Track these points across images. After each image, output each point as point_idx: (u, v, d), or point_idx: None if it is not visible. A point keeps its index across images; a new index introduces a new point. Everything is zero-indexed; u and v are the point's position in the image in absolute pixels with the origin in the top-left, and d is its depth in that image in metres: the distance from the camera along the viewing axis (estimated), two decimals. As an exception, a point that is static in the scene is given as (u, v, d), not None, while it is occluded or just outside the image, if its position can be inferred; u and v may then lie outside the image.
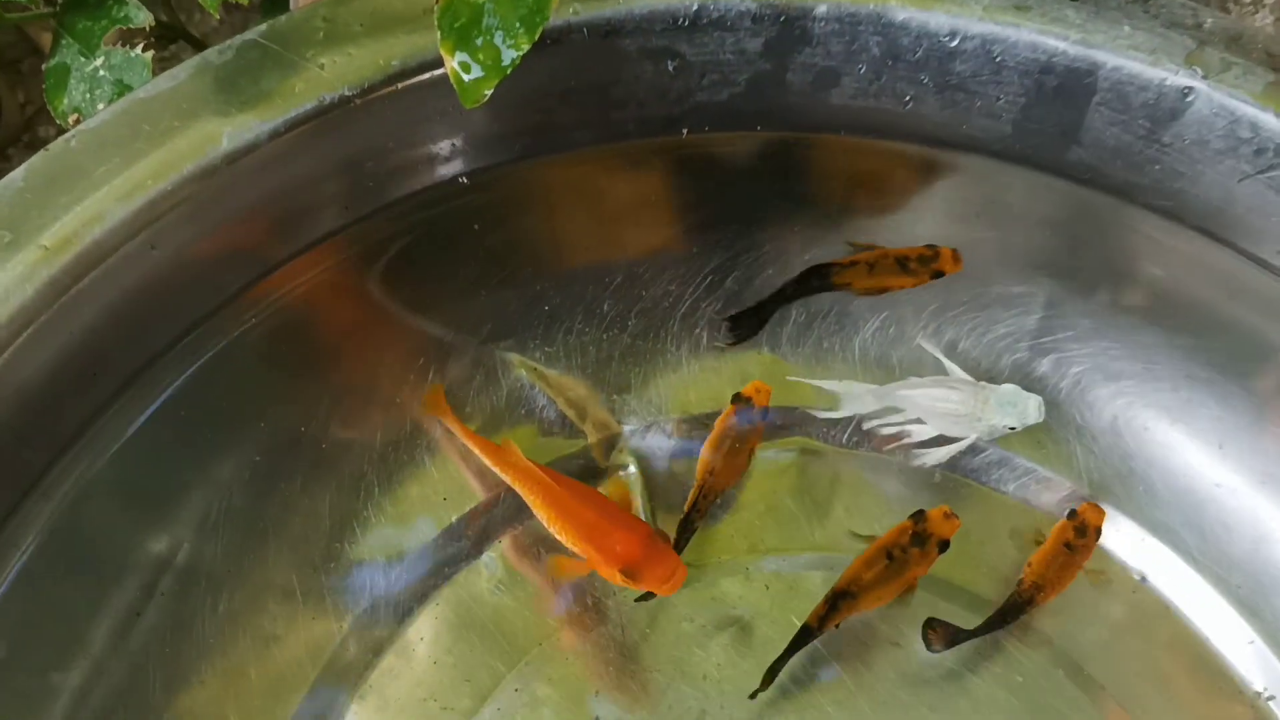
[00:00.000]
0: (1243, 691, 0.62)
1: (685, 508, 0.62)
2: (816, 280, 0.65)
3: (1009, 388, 0.64)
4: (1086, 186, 0.65)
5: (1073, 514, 0.62)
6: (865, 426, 0.66)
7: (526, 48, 0.49)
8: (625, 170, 0.67)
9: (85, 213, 0.52)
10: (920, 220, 0.66)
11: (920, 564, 0.59)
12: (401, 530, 0.63)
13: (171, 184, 0.53)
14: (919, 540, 0.59)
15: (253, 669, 0.58)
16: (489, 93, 0.49)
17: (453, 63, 0.49)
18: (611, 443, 0.66)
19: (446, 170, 0.63)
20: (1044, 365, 0.67)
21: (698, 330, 0.68)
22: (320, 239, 0.61)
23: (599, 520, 0.57)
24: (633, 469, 0.65)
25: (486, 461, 0.60)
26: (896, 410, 0.65)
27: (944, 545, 0.60)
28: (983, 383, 0.64)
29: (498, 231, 0.65)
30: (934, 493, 0.66)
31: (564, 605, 0.62)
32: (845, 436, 0.67)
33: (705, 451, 0.63)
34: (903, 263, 0.64)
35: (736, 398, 0.64)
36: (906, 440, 0.64)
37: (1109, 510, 0.64)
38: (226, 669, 0.58)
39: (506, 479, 0.59)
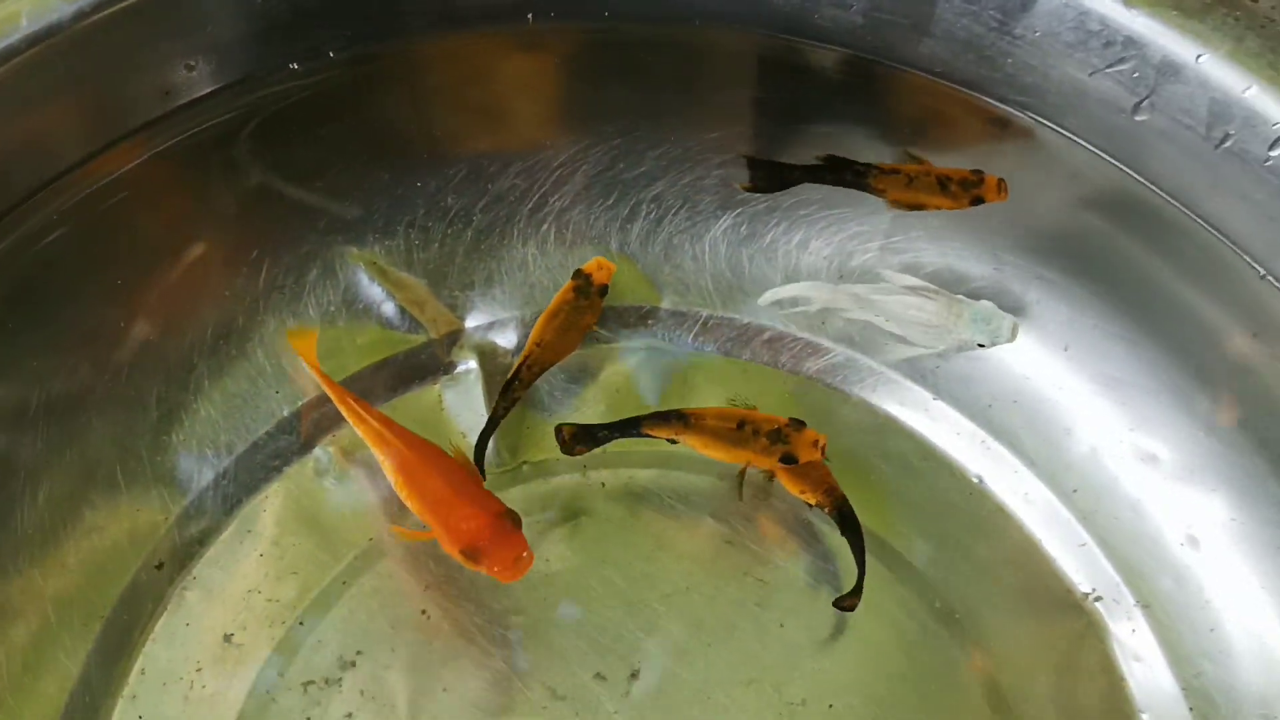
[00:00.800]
0: (1071, 592, 0.62)
1: (508, 376, 0.61)
2: (851, 175, 0.62)
3: (986, 305, 0.63)
4: (940, 80, 0.64)
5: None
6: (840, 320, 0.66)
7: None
8: (469, 60, 0.65)
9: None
10: (767, 114, 0.65)
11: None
12: (231, 422, 0.62)
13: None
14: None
15: (73, 558, 0.58)
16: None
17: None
18: (454, 339, 0.66)
19: (277, 57, 0.61)
20: (895, 264, 0.66)
21: (545, 226, 0.67)
22: (143, 126, 0.60)
23: (448, 494, 0.54)
24: (473, 364, 0.65)
25: (342, 412, 0.58)
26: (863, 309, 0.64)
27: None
28: (960, 296, 0.63)
29: (334, 122, 0.64)
30: (779, 394, 0.65)
31: (396, 503, 0.61)
32: (690, 338, 0.67)
33: (538, 324, 0.63)
34: (944, 183, 0.62)
35: (577, 274, 0.63)
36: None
37: (950, 411, 0.64)
38: (45, 560, 0.58)
39: (361, 435, 0.57)
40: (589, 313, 0.63)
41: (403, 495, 0.56)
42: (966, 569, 0.63)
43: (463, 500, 0.54)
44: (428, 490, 0.55)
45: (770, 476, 0.61)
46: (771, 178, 0.62)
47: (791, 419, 0.59)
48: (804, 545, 0.62)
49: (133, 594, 0.59)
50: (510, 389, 0.61)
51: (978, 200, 0.61)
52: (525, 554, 0.53)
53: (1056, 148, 0.64)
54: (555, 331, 0.62)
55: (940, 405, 0.66)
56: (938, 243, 0.66)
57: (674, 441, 0.59)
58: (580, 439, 0.59)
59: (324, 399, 0.62)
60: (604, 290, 0.64)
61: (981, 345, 0.63)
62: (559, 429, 0.59)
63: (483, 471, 0.60)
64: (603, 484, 0.63)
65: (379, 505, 0.61)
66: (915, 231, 0.66)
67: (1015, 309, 0.65)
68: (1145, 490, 0.63)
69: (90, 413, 0.60)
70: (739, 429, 0.58)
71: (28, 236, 0.57)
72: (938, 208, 0.62)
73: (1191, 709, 0.59)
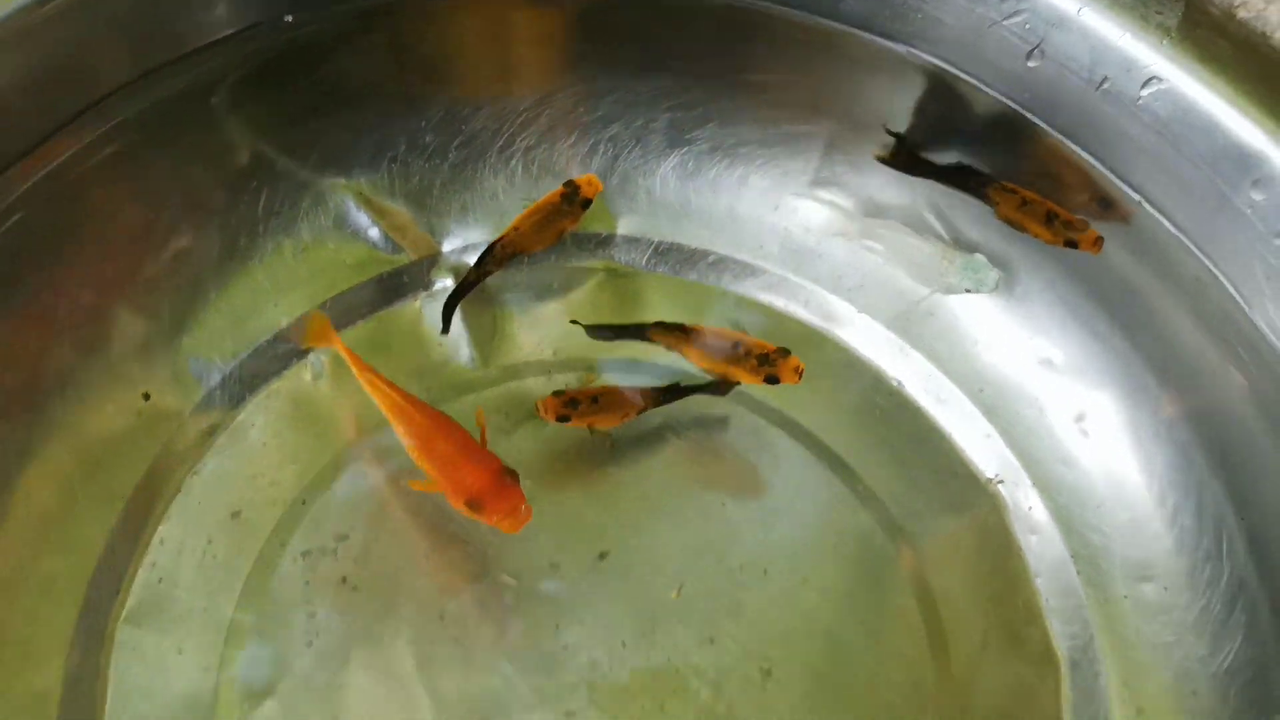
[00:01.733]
0: (977, 477, 0.71)
1: (480, 253, 0.69)
2: (974, 182, 0.69)
3: (979, 257, 0.72)
4: (859, 31, 0.72)
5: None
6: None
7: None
8: (445, 16, 0.73)
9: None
10: (707, 65, 0.73)
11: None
12: (236, 331, 0.70)
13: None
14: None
15: (98, 447, 0.66)
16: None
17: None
18: (432, 261, 0.74)
19: (277, 9, 0.69)
20: (824, 197, 0.75)
21: (513, 162, 0.75)
22: (158, 67, 0.67)
23: (453, 453, 0.60)
24: (450, 283, 0.73)
25: (362, 384, 0.64)
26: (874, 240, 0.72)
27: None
28: (958, 248, 0.72)
29: (324, 67, 0.71)
30: (722, 310, 0.74)
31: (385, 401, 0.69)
32: (644, 260, 0.75)
33: (522, 214, 0.69)
34: (1050, 217, 0.68)
35: (568, 184, 0.69)
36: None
37: (873, 324, 0.73)
38: (74, 446, 0.65)
39: (379, 403, 0.64)
40: (569, 218, 0.69)
41: (414, 456, 0.62)
42: (889, 459, 0.71)
43: (466, 459, 0.60)
44: (436, 451, 0.61)
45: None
46: (908, 164, 0.71)
47: (779, 347, 0.67)
48: (742, 439, 0.71)
49: (149, 479, 0.67)
50: (483, 262, 0.68)
51: (1071, 244, 0.67)
52: (524, 506, 0.58)
53: (962, 91, 0.72)
54: (533, 225, 0.69)
55: (864, 319, 0.75)
56: (860, 177, 0.75)
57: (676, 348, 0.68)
58: (595, 333, 0.69)
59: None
60: (587, 203, 0.69)
61: (968, 291, 0.71)
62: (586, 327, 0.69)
63: (448, 327, 0.68)
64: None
65: (364, 405, 0.69)
66: (840, 168, 0.75)
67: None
68: (1042, 388, 0.72)
69: (113, 320, 0.68)
70: (733, 348, 0.67)
71: (77, 156, 0.65)
72: (1036, 236, 0.68)
73: (1079, 573, 0.68)
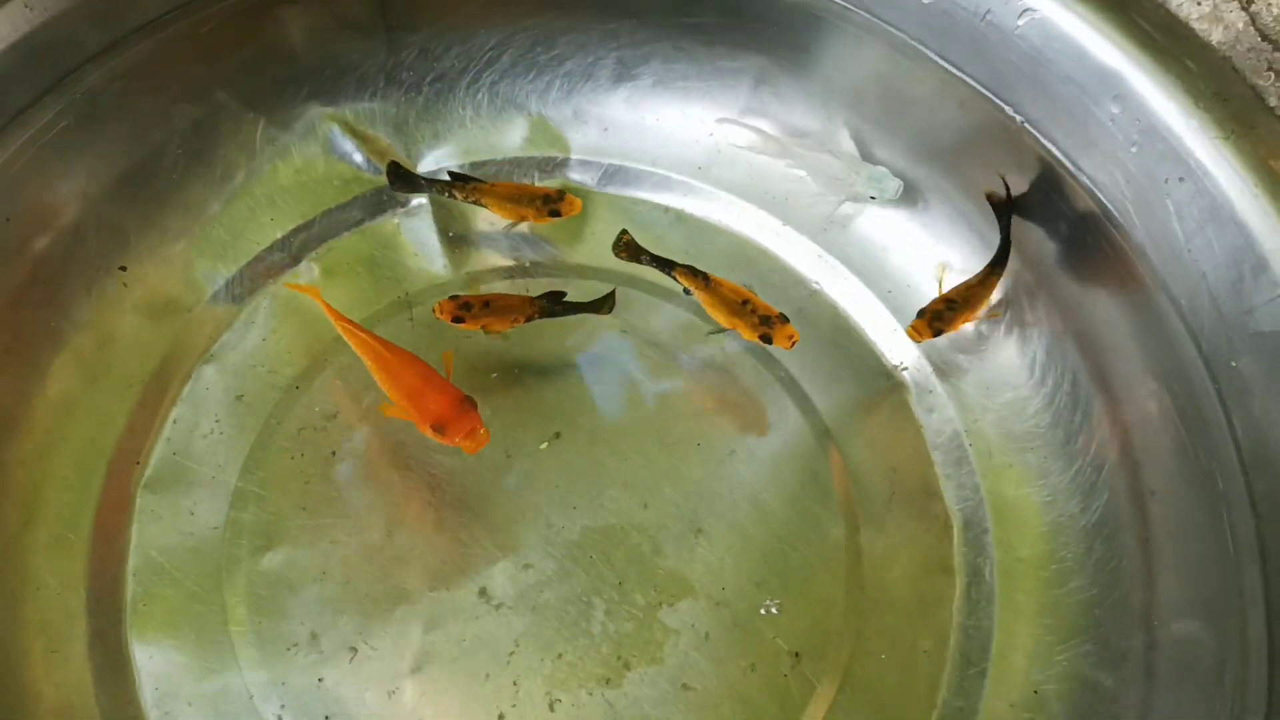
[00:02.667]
0: (885, 365, 0.82)
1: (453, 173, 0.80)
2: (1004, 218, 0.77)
3: (882, 169, 0.80)
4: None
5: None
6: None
7: None
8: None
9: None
10: (648, 7, 0.83)
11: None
12: (237, 241, 0.81)
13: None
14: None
15: (119, 343, 0.77)
16: None
17: None
18: (408, 181, 0.84)
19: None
20: (752, 123, 0.85)
21: (479, 95, 0.85)
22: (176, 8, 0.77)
23: (419, 384, 0.67)
24: (423, 200, 0.84)
25: (339, 329, 0.72)
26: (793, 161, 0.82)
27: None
28: (865, 161, 0.80)
29: (315, 12, 0.81)
30: (664, 222, 0.85)
31: (370, 304, 0.80)
32: (596, 180, 0.86)
33: (505, 182, 0.82)
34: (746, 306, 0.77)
35: (557, 194, 0.80)
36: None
37: (795, 234, 0.84)
38: (99, 340, 0.76)
39: (353, 346, 0.71)
40: (533, 214, 0.79)
41: (385, 388, 0.70)
42: (813, 350, 0.82)
43: (431, 389, 0.67)
44: (404, 383, 0.68)
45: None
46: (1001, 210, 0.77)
47: (781, 313, 0.76)
48: (680, 337, 0.81)
49: (163, 367, 0.78)
50: (449, 185, 0.79)
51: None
52: (481, 430, 0.66)
53: (870, 29, 0.82)
54: (505, 194, 0.79)
55: (789, 230, 0.85)
56: (784, 106, 0.85)
57: (689, 292, 0.77)
58: (626, 249, 0.77)
59: (306, 226, 0.81)
60: (556, 214, 0.79)
61: (873, 199, 0.80)
62: (622, 233, 0.78)
63: (400, 185, 0.79)
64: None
65: (344, 306, 0.79)
66: (767, 99, 0.85)
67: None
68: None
69: (129, 231, 0.78)
70: (742, 305, 0.75)
71: (122, 72, 0.75)
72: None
73: (970, 445, 0.79)
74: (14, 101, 0.72)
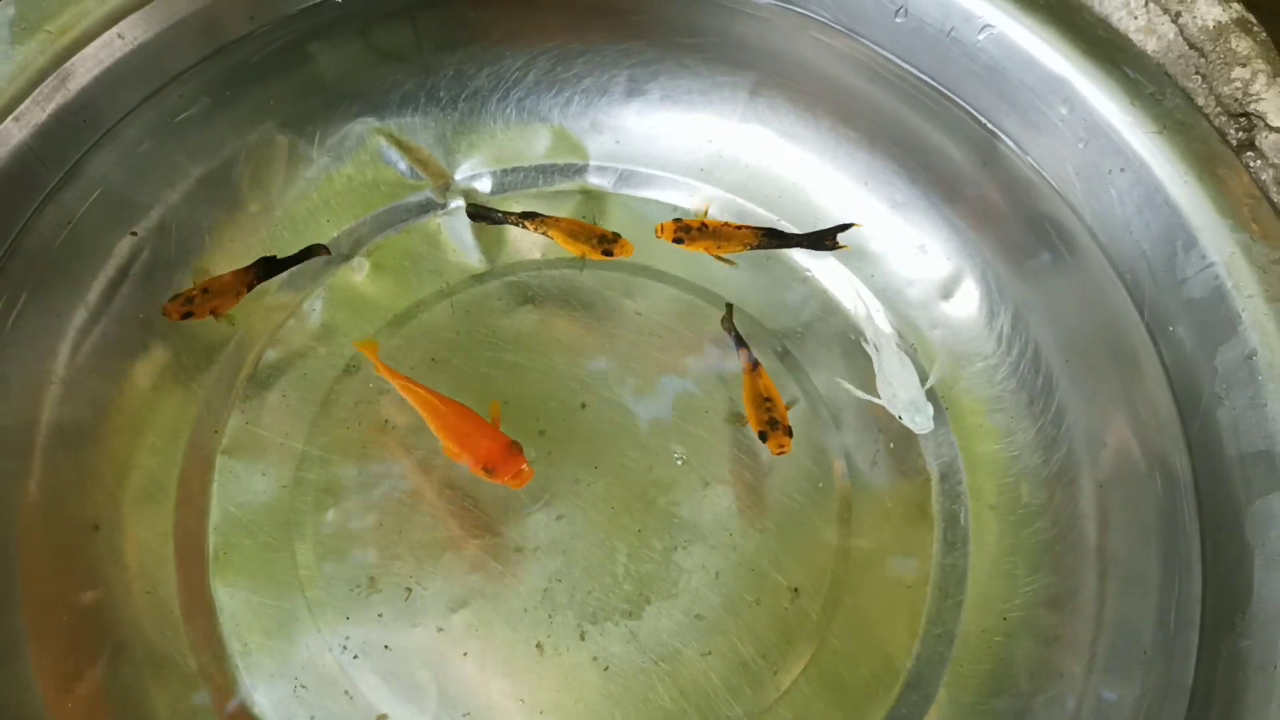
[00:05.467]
0: (851, 323, 0.92)
1: (518, 219, 0.91)
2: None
3: (927, 406, 0.83)
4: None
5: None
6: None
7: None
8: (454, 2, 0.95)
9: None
10: (655, 31, 0.94)
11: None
12: (298, 240, 0.92)
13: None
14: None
15: (198, 328, 0.88)
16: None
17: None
18: (446, 185, 0.96)
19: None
20: (747, 131, 0.97)
21: (508, 110, 0.97)
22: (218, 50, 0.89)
23: (470, 432, 0.75)
24: (460, 203, 0.95)
25: (397, 388, 0.80)
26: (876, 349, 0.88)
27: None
28: (921, 389, 0.86)
29: (364, 38, 0.93)
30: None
31: (414, 294, 0.91)
32: (611, 183, 0.97)
33: (567, 219, 0.90)
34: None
35: (614, 236, 0.88)
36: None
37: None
38: (182, 326, 0.87)
39: (410, 401, 0.79)
40: (590, 249, 0.87)
41: (440, 436, 0.77)
42: (790, 317, 0.93)
43: (481, 436, 0.75)
44: (457, 432, 0.76)
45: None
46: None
47: (786, 425, 0.81)
48: (689, 320, 0.92)
49: (237, 349, 0.89)
50: (521, 221, 0.89)
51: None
52: (526, 469, 0.74)
53: (845, 41, 0.93)
54: (567, 230, 0.87)
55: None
56: (776, 115, 0.96)
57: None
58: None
59: (359, 226, 0.92)
60: (608, 253, 0.87)
61: (900, 418, 0.85)
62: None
63: (496, 219, 0.90)
64: (543, 282, 0.93)
65: (396, 296, 0.90)
66: (762, 109, 0.96)
67: (827, 153, 0.95)
68: (918, 270, 0.94)
69: (204, 231, 0.90)
70: (765, 400, 0.83)
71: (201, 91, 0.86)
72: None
73: (947, 409, 0.89)
74: (106, 119, 0.83)
